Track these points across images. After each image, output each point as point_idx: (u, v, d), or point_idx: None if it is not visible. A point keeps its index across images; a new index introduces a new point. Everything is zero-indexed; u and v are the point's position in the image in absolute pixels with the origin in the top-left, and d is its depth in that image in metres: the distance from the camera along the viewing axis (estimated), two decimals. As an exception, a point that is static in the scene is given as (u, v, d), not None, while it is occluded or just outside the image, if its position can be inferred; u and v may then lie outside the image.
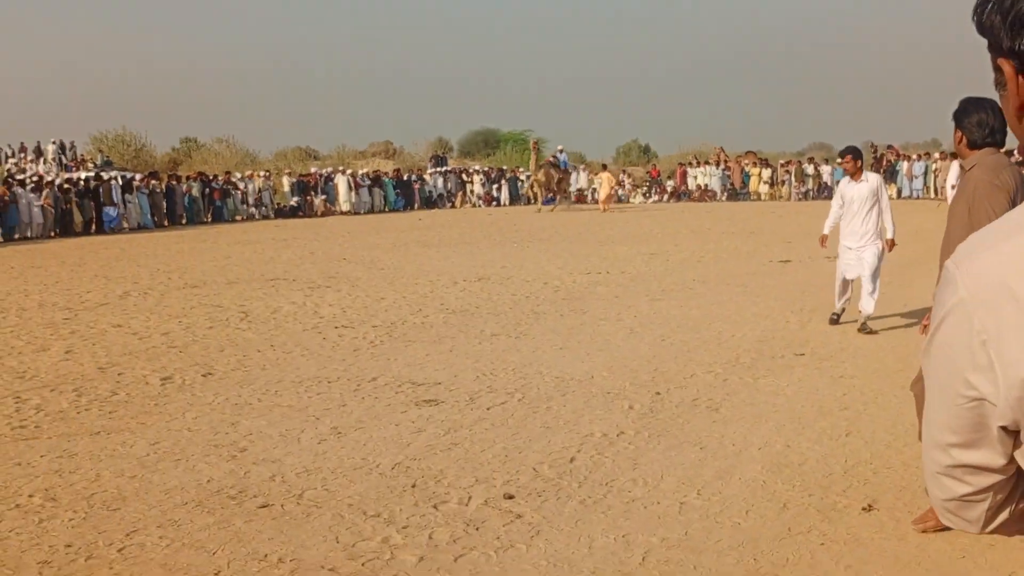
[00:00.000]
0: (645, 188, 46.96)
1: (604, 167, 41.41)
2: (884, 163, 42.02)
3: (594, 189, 47.28)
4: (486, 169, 48.10)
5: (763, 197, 43.74)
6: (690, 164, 47.16)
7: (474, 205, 44.32)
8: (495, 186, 46.36)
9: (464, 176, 46.08)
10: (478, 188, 45.70)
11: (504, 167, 49.29)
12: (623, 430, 6.46)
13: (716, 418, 6.75)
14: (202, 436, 6.57)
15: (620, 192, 46.89)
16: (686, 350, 9.16)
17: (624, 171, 51.59)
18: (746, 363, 8.53)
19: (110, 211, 31.16)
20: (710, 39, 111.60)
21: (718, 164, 45.94)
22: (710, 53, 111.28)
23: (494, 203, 45.00)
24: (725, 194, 44.44)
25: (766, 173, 44.60)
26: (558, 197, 37.60)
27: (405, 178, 44.24)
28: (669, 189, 46.60)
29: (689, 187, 45.94)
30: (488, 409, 7.11)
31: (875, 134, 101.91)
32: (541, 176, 36.72)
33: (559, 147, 41.00)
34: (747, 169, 45.29)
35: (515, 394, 7.55)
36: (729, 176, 45.35)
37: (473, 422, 6.75)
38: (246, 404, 7.44)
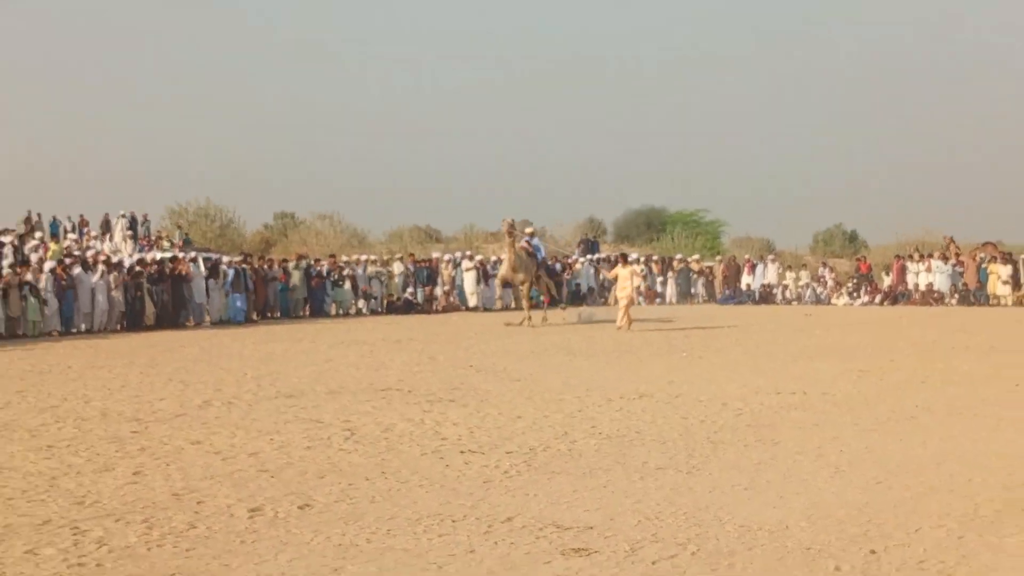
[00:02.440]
0: (851, 286, 46.41)
1: (624, 258, 33.65)
2: None
3: (785, 286, 47.00)
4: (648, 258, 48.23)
5: (1006, 302, 42.70)
6: (910, 257, 46.45)
7: (633, 302, 44.15)
8: (659, 279, 46.45)
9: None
10: (638, 281, 45.78)
11: (673, 256, 49.49)
12: (828, 598, 6.35)
13: (950, 588, 6.58)
14: (299, 583, 6.68)
15: (815, 290, 46.43)
16: (909, 497, 8.96)
17: (824, 264, 51.19)
18: (988, 517, 8.29)
19: (237, 299, 33.62)
20: (936, 94, 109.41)
21: (947, 258, 45.13)
22: (936, 114, 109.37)
23: (658, 300, 45.01)
24: (956, 296, 43.56)
25: (1006, 271, 43.57)
26: (544, 299, 33.64)
27: (547, 267, 44.66)
28: (884, 288, 45.96)
29: (909, 286, 45.23)
30: (653, 563, 7.07)
31: None
32: (521, 274, 31.65)
33: (527, 229, 34.74)
34: (985, 265, 44.35)
35: (687, 545, 7.49)
36: (961, 274, 44.48)
37: (634, 580, 6.71)
38: (352, 545, 7.56)
